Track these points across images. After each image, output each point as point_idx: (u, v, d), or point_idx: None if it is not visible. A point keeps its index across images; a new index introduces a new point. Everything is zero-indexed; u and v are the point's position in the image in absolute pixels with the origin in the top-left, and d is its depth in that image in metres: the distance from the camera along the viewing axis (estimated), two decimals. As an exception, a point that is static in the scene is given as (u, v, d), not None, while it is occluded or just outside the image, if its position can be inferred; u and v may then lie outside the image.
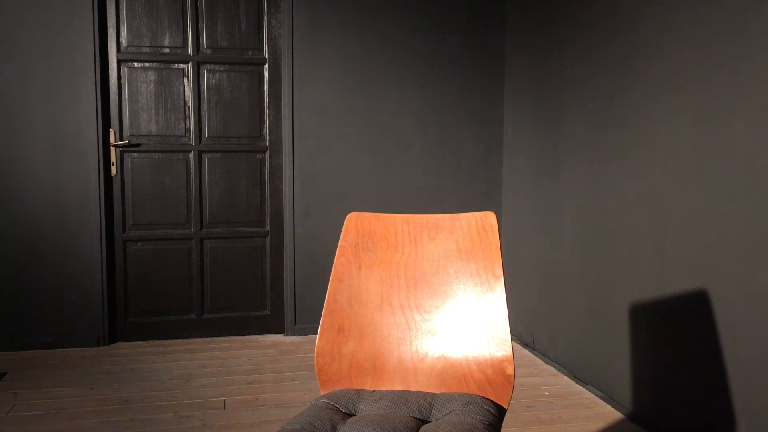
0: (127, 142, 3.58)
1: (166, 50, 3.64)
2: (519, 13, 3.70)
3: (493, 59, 3.89)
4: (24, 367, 3.21)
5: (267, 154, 3.79)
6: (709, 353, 2.20)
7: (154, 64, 3.64)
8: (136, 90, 3.62)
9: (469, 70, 3.87)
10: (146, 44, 3.61)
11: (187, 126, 3.70)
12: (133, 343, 3.66)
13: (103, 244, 3.53)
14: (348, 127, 3.78)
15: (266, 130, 3.78)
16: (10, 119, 3.39)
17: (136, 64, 3.62)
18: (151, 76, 3.64)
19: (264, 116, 3.78)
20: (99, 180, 3.51)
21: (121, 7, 3.57)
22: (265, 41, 3.74)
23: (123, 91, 3.61)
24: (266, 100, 3.77)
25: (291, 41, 3.67)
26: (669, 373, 2.42)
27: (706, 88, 2.22)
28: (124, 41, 3.59)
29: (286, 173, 3.73)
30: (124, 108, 3.62)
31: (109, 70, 3.58)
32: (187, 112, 3.69)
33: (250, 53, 3.74)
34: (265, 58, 3.75)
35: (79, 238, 3.50)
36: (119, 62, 3.60)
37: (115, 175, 3.62)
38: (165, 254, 3.71)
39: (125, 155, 3.63)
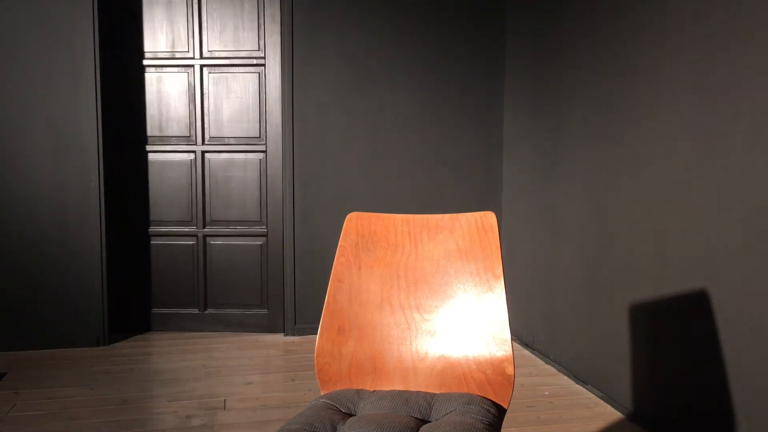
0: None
1: (168, 51, 3.64)
2: (519, 13, 3.70)
3: (493, 59, 3.89)
4: (24, 367, 3.21)
5: (267, 155, 3.79)
6: (709, 353, 2.20)
7: (174, 69, 3.64)
8: (158, 93, 3.62)
9: (468, 70, 3.87)
10: (148, 46, 3.62)
11: (190, 127, 3.70)
12: (134, 342, 3.66)
13: (104, 243, 3.53)
14: (348, 127, 3.78)
15: (266, 130, 3.78)
16: (10, 117, 3.39)
17: (163, 70, 3.62)
18: (153, 77, 3.64)
19: (264, 116, 3.78)
20: (99, 179, 3.50)
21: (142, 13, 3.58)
22: (266, 41, 3.74)
23: (146, 95, 3.61)
24: (266, 100, 3.77)
25: (291, 41, 3.67)
26: (669, 374, 2.42)
27: (707, 88, 2.22)
28: (129, 42, 3.59)
29: (286, 173, 3.72)
30: (146, 111, 3.62)
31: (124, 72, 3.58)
32: (190, 112, 3.69)
33: (250, 53, 3.74)
34: (265, 58, 3.75)
35: (79, 237, 3.50)
36: (144, 67, 3.60)
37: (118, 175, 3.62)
38: (167, 253, 3.71)
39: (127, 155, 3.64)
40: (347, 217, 1.82)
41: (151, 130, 3.70)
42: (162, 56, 3.65)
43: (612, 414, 2.69)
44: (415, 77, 3.82)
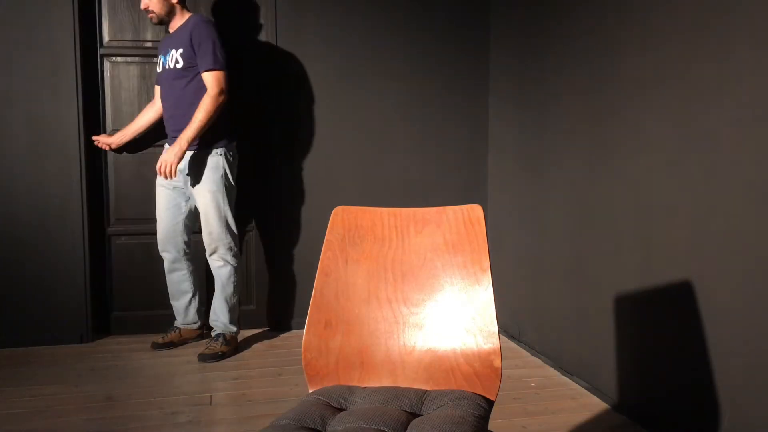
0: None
1: (148, 44, 3.60)
2: (504, 6, 3.70)
3: (477, 52, 3.89)
4: (7, 365, 3.17)
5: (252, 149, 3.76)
6: (693, 344, 2.23)
7: (137, 58, 3.60)
8: (118, 85, 3.58)
9: (453, 63, 3.87)
10: (128, 38, 3.57)
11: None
12: (118, 339, 3.62)
13: (86, 239, 3.49)
14: (333, 121, 3.76)
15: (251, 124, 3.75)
16: (-11, 114, 3.34)
17: (118, 59, 3.57)
18: (133, 70, 3.60)
19: (248, 109, 3.75)
20: (81, 175, 3.46)
21: (102, 0, 3.52)
22: (248, 33, 3.70)
23: (105, 86, 3.57)
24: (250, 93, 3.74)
25: (275, 32, 3.64)
26: (653, 364, 2.44)
27: (689, 81, 2.23)
28: (106, 36, 3.55)
29: (270, 166, 3.70)
30: (106, 103, 3.58)
31: (92, 65, 3.53)
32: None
33: (232, 46, 3.71)
34: (249, 50, 3.71)
35: (61, 233, 3.46)
36: (101, 56, 3.56)
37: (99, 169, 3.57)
38: (150, 248, 3.67)
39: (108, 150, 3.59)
40: (333, 210, 1.81)
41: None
42: (141, 48, 3.61)
43: (597, 404, 2.71)
44: (401, 70, 3.81)
